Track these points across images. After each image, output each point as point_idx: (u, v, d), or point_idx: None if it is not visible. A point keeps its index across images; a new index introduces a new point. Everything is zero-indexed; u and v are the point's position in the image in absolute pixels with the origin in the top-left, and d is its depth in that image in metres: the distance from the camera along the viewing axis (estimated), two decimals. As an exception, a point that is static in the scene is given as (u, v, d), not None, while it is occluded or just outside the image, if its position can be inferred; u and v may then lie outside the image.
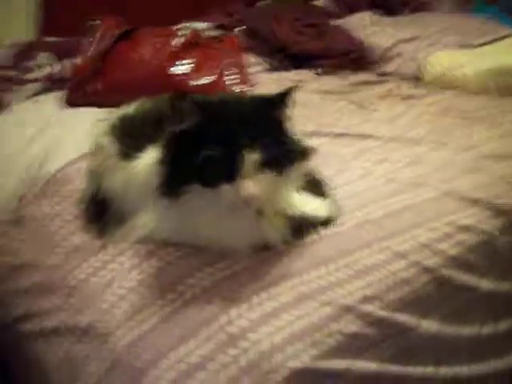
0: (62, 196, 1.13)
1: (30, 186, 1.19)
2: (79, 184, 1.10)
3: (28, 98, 1.55)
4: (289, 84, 1.71)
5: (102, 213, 0.95)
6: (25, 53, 1.80)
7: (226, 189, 0.78)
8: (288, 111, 0.84)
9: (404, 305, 0.91)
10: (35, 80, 1.61)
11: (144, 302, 0.83)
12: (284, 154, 0.82)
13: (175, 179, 0.80)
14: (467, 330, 1.04)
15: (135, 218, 0.89)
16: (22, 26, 2.33)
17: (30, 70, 1.72)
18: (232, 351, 0.76)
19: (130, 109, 1.00)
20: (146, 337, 0.79)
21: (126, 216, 0.90)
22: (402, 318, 0.90)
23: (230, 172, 0.77)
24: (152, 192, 0.84)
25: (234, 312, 0.80)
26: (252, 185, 0.78)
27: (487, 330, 1.08)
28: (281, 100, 0.83)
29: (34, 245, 1.06)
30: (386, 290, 0.90)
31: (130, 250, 0.92)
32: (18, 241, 1.11)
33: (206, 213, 0.83)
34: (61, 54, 1.79)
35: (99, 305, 0.86)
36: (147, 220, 0.88)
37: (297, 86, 0.85)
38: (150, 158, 0.86)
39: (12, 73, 1.65)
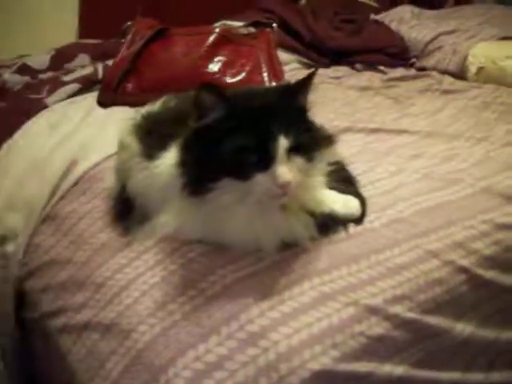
0: (92, 194, 1.14)
1: (63, 185, 1.20)
2: (109, 182, 1.10)
3: (65, 98, 1.56)
4: (327, 80, 1.74)
5: (127, 211, 0.95)
6: (64, 55, 1.84)
7: (261, 178, 0.77)
8: (309, 97, 0.83)
9: (436, 306, 0.88)
10: (72, 81, 1.62)
11: (166, 299, 0.82)
12: (311, 139, 0.81)
13: (202, 177, 0.79)
14: (507, 334, 0.99)
15: (158, 217, 0.88)
16: (65, 29, 2.40)
17: (70, 71, 1.75)
18: (251, 351, 0.74)
19: (154, 107, 0.99)
20: (167, 334, 0.78)
21: (150, 214, 0.90)
22: (434, 320, 0.86)
23: (264, 160, 0.76)
24: (174, 191, 0.83)
25: (255, 311, 0.78)
26: (287, 171, 0.76)
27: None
28: (301, 87, 0.82)
29: (65, 242, 1.08)
30: (417, 291, 0.86)
31: (156, 247, 0.91)
32: (50, 238, 1.13)
33: (232, 210, 0.81)
34: (99, 55, 1.82)
35: (123, 301, 0.86)
36: (170, 218, 0.87)
37: (315, 72, 0.83)
38: (172, 157, 0.84)
39: (48, 75, 1.68)
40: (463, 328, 0.91)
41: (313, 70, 0.84)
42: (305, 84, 0.82)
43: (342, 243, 0.90)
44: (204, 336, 0.76)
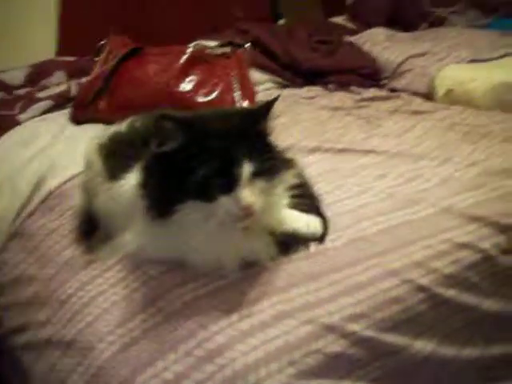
0: (60, 211, 1.15)
1: (32, 201, 1.21)
2: (77, 199, 1.11)
3: (38, 115, 1.57)
4: (299, 100, 1.77)
5: (92, 229, 0.95)
6: (40, 72, 1.85)
7: (224, 200, 0.78)
8: (271, 122, 0.85)
9: (394, 324, 0.89)
10: (46, 98, 1.63)
11: (126, 317, 0.83)
12: (273, 162, 0.83)
13: (165, 200, 0.80)
14: (467, 352, 1.01)
15: (121, 236, 0.89)
16: (41, 46, 2.40)
17: (45, 88, 1.77)
18: (208, 368, 0.75)
19: (121, 127, 1.00)
20: (126, 351, 0.79)
21: (114, 233, 0.91)
22: (392, 338, 0.88)
23: (228, 183, 0.78)
24: (137, 211, 0.84)
25: (213, 328, 0.79)
26: (250, 194, 0.78)
27: (494, 350, 1.05)
28: (263, 111, 0.84)
29: (31, 259, 1.08)
30: (375, 309, 0.88)
31: (118, 264, 0.92)
32: (17, 255, 1.13)
33: (195, 230, 0.82)
34: (74, 72, 1.84)
35: (84, 318, 0.86)
36: (133, 237, 0.87)
37: (278, 97, 0.85)
38: (134, 178, 0.86)
39: (23, 91, 1.69)
40: (423, 346, 0.92)
41: (276, 95, 0.86)
42: (266, 109, 0.84)
43: (301, 262, 0.91)
44: (162, 353, 0.77)
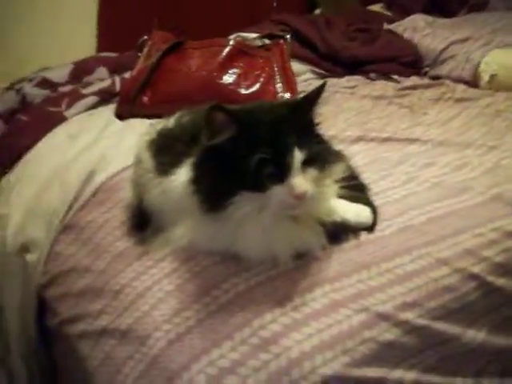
0: (111, 203, 1.17)
1: (82, 195, 1.24)
2: (127, 192, 1.13)
3: (83, 111, 1.61)
4: (341, 90, 1.76)
5: (143, 222, 0.97)
6: (83, 68, 1.88)
7: (278, 189, 0.79)
8: (318, 110, 0.85)
9: (446, 313, 0.89)
10: (91, 94, 1.66)
11: (181, 306, 0.85)
12: (322, 151, 0.84)
13: (218, 193, 0.81)
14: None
15: (173, 230, 0.90)
16: (84, 42, 2.45)
17: (89, 84, 1.80)
18: (263, 356, 0.76)
19: (169, 122, 1.02)
20: (182, 340, 0.81)
21: (165, 227, 0.92)
22: (444, 326, 0.88)
23: (280, 172, 0.79)
24: (188, 206, 0.85)
25: (267, 317, 0.80)
26: (303, 182, 0.79)
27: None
28: (310, 101, 0.85)
29: (84, 251, 1.11)
30: (427, 297, 0.88)
31: (171, 255, 0.94)
32: (70, 247, 1.16)
33: (247, 223, 0.83)
34: (116, 68, 1.86)
35: (139, 307, 0.88)
36: (185, 231, 0.89)
37: (324, 86, 0.85)
38: (185, 174, 0.87)
39: (67, 88, 1.72)
40: (474, 335, 0.92)
41: (322, 83, 0.86)
42: (314, 98, 0.85)
43: (352, 251, 0.91)
44: (217, 341, 0.78)
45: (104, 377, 0.88)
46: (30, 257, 1.23)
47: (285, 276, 0.86)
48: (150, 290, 0.89)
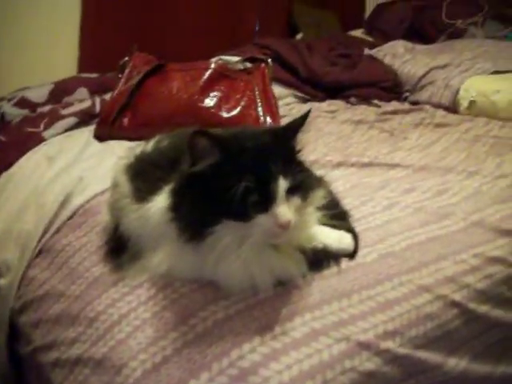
0: (88, 227, 1.15)
1: (59, 218, 1.22)
2: (105, 216, 1.11)
3: (62, 132, 1.59)
4: (322, 114, 1.76)
5: (120, 248, 0.95)
6: (63, 89, 1.87)
7: (262, 219, 0.77)
8: (300, 138, 0.84)
9: (428, 341, 0.88)
10: (70, 115, 1.65)
11: (158, 335, 0.82)
12: (305, 178, 0.83)
13: (199, 222, 0.79)
14: (501, 369, 0.99)
15: (151, 257, 0.88)
16: (64, 63, 2.44)
17: (68, 105, 1.78)
18: (242, 387, 0.74)
19: (148, 146, 1.00)
20: (158, 370, 0.78)
21: (142, 253, 0.90)
22: (425, 355, 0.86)
23: (265, 201, 0.77)
24: (166, 233, 0.83)
25: (246, 346, 0.78)
26: (288, 211, 0.77)
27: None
28: (294, 128, 0.84)
29: (59, 275, 1.08)
30: (408, 326, 0.87)
31: (148, 282, 0.92)
32: (45, 271, 1.13)
33: (228, 252, 0.80)
34: (97, 89, 1.85)
35: (115, 335, 0.86)
36: (163, 259, 0.86)
37: (309, 112, 0.84)
38: (163, 200, 0.84)
39: (46, 108, 1.70)
40: (456, 363, 0.91)
41: (307, 110, 0.85)
42: (298, 126, 0.83)
43: (333, 278, 0.90)
44: (195, 372, 0.76)
45: (77, 409, 0.85)
46: (3, 281, 1.21)
47: (264, 304, 0.84)
48: (126, 317, 0.87)
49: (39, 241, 1.20)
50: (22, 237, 1.22)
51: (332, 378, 0.77)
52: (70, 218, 1.20)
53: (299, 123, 0.83)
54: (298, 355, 0.78)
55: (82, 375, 0.87)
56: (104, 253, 1.00)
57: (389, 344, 0.83)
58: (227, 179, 0.76)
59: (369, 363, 0.80)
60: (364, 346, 0.81)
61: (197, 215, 0.79)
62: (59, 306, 1.01)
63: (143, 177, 0.93)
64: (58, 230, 1.19)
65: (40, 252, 1.19)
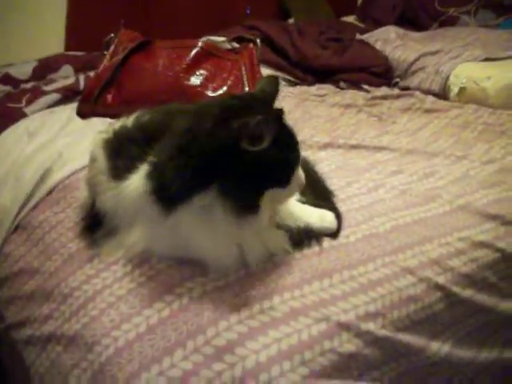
0: (66, 203, 1.12)
1: (36, 193, 1.18)
2: (83, 192, 1.08)
3: (44, 108, 1.55)
4: (310, 98, 1.74)
5: (96, 224, 0.92)
6: (48, 66, 1.83)
7: (294, 182, 0.81)
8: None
9: (411, 324, 0.86)
10: (53, 91, 1.61)
11: (131, 311, 0.80)
12: None
13: (250, 197, 0.78)
14: (484, 355, 0.97)
15: (126, 234, 0.85)
16: (51, 41, 2.40)
17: (53, 81, 1.75)
18: (217, 366, 0.72)
19: (127, 121, 0.96)
20: (131, 347, 0.75)
21: (117, 231, 0.87)
22: (408, 338, 0.85)
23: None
24: (142, 212, 0.81)
25: (222, 324, 0.76)
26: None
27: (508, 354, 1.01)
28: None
29: (35, 251, 1.05)
30: (390, 307, 0.85)
31: (124, 258, 0.89)
32: (20, 247, 1.10)
33: (206, 226, 0.78)
34: (82, 67, 1.82)
35: (88, 312, 0.83)
36: (140, 237, 0.84)
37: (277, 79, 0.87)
38: (139, 179, 0.82)
39: (29, 85, 1.66)
40: (439, 347, 0.89)
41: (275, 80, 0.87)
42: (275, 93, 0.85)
43: (314, 258, 0.88)
44: (169, 350, 0.74)
45: (48, 387, 0.82)
46: (-21, 257, 1.17)
47: (243, 282, 0.82)
48: (101, 294, 0.84)
49: (16, 216, 1.16)
50: (-2, 212, 1.19)
51: (311, 359, 0.74)
52: (49, 193, 1.17)
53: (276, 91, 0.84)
54: (276, 334, 0.76)
55: (54, 352, 0.85)
56: (80, 229, 0.97)
57: (370, 326, 0.81)
58: (283, 152, 0.78)
59: (349, 345, 0.78)
60: (344, 326, 0.79)
61: (248, 190, 0.77)
62: (34, 282, 0.98)
63: (120, 154, 0.89)
64: (35, 206, 1.16)
65: (16, 228, 1.15)
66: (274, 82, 0.86)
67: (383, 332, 0.82)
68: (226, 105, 0.80)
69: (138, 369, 0.73)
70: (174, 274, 0.83)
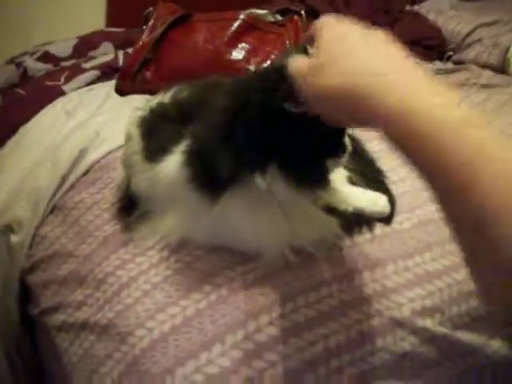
0: (102, 184, 1.08)
1: (73, 174, 1.14)
2: (120, 172, 1.03)
3: (83, 86, 1.51)
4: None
5: (130, 206, 0.87)
6: (88, 43, 1.79)
7: None
8: None
9: (470, 321, 0.78)
10: (92, 68, 1.57)
11: (167, 301, 0.75)
12: None
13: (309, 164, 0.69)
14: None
15: (162, 219, 0.80)
16: (91, 18, 2.37)
17: (92, 58, 1.71)
18: (258, 364, 0.66)
19: (165, 97, 0.90)
20: (166, 340, 0.71)
21: (151, 216, 0.82)
22: (466, 336, 0.77)
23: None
24: (180, 196, 0.75)
25: (264, 318, 0.70)
26: None
27: None
28: None
29: (70, 234, 1.01)
30: (449, 302, 0.77)
31: (161, 242, 0.83)
32: (56, 229, 1.07)
33: (261, 211, 0.72)
34: (122, 43, 1.77)
35: (122, 300, 0.78)
36: (177, 223, 0.78)
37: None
38: (172, 164, 0.75)
39: (69, 63, 1.63)
40: (498, 347, 0.81)
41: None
42: None
43: (366, 245, 0.80)
44: (206, 344, 0.68)
45: (81, 376, 0.78)
46: (15, 238, 1.14)
47: (285, 273, 0.75)
48: (135, 280, 0.79)
49: (52, 197, 1.13)
50: (34, 193, 1.15)
51: (360, 358, 0.68)
52: (85, 174, 1.12)
53: None
54: (323, 331, 0.69)
55: (87, 341, 0.81)
56: (115, 211, 0.93)
57: (427, 322, 0.73)
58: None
59: (403, 342, 0.71)
60: (398, 323, 0.72)
61: (310, 163, 0.68)
62: (68, 266, 0.94)
63: (155, 133, 0.83)
64: (71, 187, 1.12)
65: (53, 209, 1.12)
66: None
67: (441, 329, 0.74)
68: (266, 76, 0.72)
69: (174, 364, 0.68)
70: (213, 260, 0.77)
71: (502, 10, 1.89)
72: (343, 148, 0.70)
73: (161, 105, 0.89)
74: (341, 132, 0.70)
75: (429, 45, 1.85)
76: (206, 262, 0.78)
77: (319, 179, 0.69)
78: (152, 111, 0.89)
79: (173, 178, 0.74)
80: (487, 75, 1.58)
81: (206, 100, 0.80)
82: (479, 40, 1.75)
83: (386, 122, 0.51)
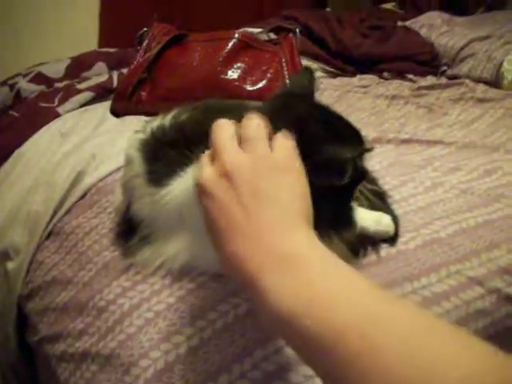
0: (99, 208, 1.06)
1: (69, 198, 1.13)
2: (118, 195, 1.01)
3: (77, 107, 1.50)
4: (353, 90, 1.65)
5: (130, 231, 0.84)
6: (81, 63, 1.79)
7: None
8: None
9: (480, 341, 0.76)
10: (86, 89, 1.56)
11: (171, 329, 0.73)
12: None
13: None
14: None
15: (165, 245, 0.78)
16: (84, 38, 2.37)
17: (86, 79, 1.70)
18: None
19: (165, 120, 0.88)
20: (171, 370, 0.69)
21: (153, 240, 0.79)
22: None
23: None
24: (184, 222, 0.73)
25: (271, 346, 0.68)
26: None
27: None
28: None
29: (68, 260, 0.99)
30: (457, 323, 0.75)
31: (162, 269, 0.82)
32: (53, 255, 1.05)
33: None
34: (116, 63, 1.77)
35: (124, 329, 0.76)
36: (181, 249, 0.76)
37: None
38: (181, 185, 0.73)
39: (62, 84, 1.62)
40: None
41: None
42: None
43: (372, 268, 0.79)
44: (212, 375, 0.67)
45: (83, 408, 0.76)
46: (11, 264, 1.12)
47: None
48: (138, 309, 0.77)
49: (49, 222, 1.11)
50: (30, 218, 1.14)
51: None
52: (82, 197, 1.11)
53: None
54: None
55: (89, 372, 0.78)
56: (114, 235, 0.91)
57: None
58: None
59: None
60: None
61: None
62: (67, 293, 0.92)
63: (159, 157, 0.81)
64: (68, 211, 1.10)
65: (50, 234, 1.10)
66: (309, 75, 0.77)
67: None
68: (270, 108, 0.71)
69: (180, 395, 0.66)
70: (217, 288, 0.76)
71: (493, 26, 1.90)
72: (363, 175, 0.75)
73: (161, 128, 0.88)
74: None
75: (422, 60, 1.86)
76: (210, 289, 0.76)
77: (347, 222, 0.74)
78: (154, 134, 0.86)
79: (181, 202, 0.73)
80: (481, 89, 1.59)
81: (206, 123, 0.79)
82: (473, 54, 1.76)
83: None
